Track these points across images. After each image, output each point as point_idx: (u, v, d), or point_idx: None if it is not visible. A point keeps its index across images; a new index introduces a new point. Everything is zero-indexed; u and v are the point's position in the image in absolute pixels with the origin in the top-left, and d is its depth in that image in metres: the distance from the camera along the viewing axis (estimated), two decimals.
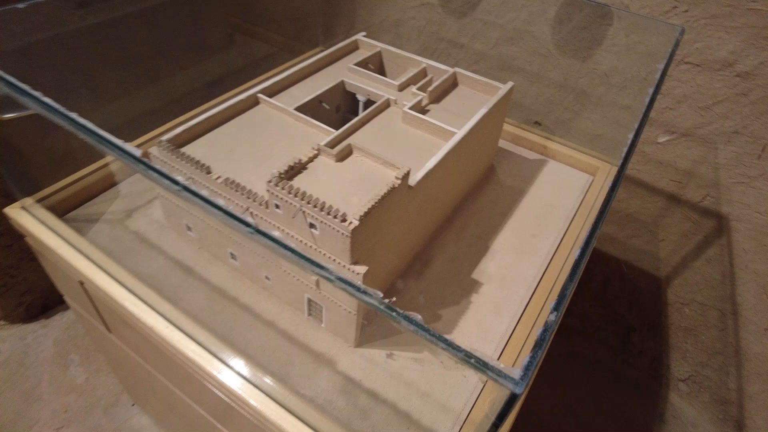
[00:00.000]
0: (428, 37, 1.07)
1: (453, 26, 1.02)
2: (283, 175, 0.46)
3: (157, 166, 0.34)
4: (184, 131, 0.54)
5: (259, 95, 0.61)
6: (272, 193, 0.45)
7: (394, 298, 0.26)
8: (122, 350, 0.71)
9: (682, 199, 0.96)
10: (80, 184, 0.67)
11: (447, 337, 0.26)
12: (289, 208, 0.44)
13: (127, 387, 1.01)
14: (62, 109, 0.38)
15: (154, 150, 0.53)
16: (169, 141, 0.52)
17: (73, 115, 0.38)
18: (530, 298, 0.59)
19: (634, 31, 0.84)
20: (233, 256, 0.56)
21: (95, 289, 0.57)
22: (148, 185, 0.69)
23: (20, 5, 0.50)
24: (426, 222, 0.61)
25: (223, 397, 0.49)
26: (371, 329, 0.53)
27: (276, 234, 0.29)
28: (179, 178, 0.31)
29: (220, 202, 0.30)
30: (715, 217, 0.94)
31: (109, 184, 0.70)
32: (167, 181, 0.32)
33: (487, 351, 0.54)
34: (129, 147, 0.35)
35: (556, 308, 0.26)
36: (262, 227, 0.29)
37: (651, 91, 0.45)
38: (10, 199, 0.63)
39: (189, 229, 0.59)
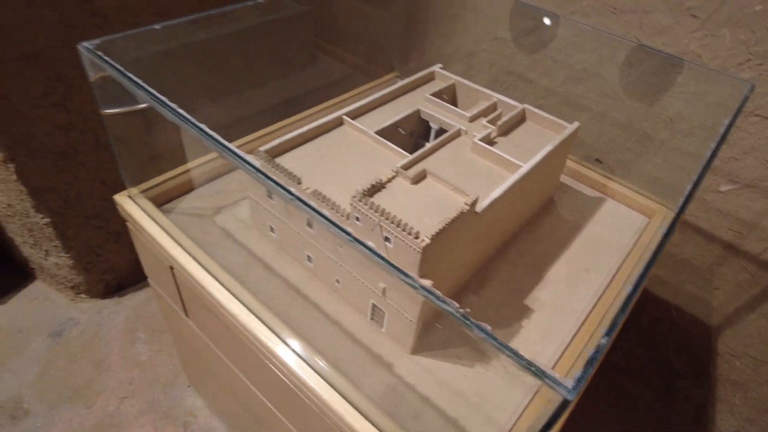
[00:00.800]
0: (499, 69, 1.11)
1: (523, 61, 1.07)
2: (365, 192, 0.52)
3: (268, 174, 0.40)
4: (278, 144, 0.61)
5: (344, 117, 0.68)
6: (355, 207, 0.50)
7: (468, 309, 0.30)
8: (195, 334, 0.79)
9: (740, 249, 0.95)
10: (176, 180, 0.76)
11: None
12: (368, 221, 0.50)
13: (187, 369, 1.09)
14: (195, 120, 0.45)
15: (251, 158, 0.60)
16: (266, 152, 0.59)
17: (203, 126, 0.45)
18: (578, 330, 0.62)
19: (704, 80, 0.85)
20: (309, 259, 0.62)
21: (184, 274, 0.64)
22: (236, 186, 0.77)
23: (156, 26, 0.59)
24: (487, 246, 0.66)
25: (288, 382, 0.55)
26: (426, 340, 0.58)
27: (371, 244, 0.34)
28: (293, 189, 0.37)
29: (325, 212, 0.36)
30: None
31: (201, 182, 0.78)
32: (281, 189, 0.38)
33: None
34: (249, 157, 0.41)
35: (608, 334, 0.30)
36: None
37: (713, 145, 0.48)
38: (107, 186, 0.72)
39: (272, 230, 0.66)
